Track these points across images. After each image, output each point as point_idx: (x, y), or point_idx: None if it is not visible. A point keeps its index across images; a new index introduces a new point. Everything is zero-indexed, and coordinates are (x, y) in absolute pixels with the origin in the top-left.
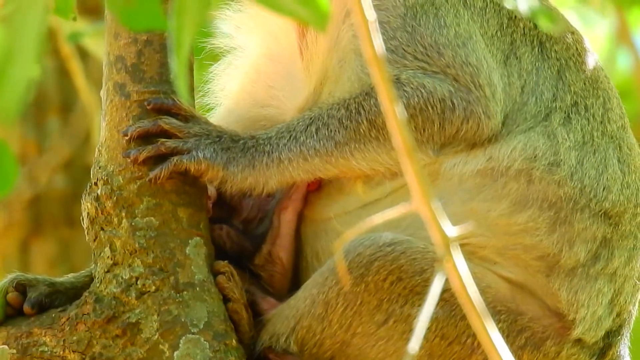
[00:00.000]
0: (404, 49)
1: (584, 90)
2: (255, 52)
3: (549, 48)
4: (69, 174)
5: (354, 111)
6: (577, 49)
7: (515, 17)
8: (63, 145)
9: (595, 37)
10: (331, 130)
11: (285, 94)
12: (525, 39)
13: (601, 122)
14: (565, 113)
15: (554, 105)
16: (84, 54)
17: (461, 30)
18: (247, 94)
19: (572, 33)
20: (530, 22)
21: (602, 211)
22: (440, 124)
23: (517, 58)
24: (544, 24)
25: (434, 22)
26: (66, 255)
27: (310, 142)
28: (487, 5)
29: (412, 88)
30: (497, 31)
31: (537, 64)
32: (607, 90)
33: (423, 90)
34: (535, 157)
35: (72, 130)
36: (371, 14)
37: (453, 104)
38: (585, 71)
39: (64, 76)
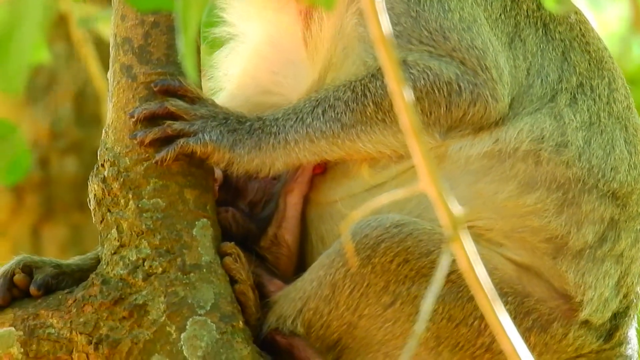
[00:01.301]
0: (409, 34)
1: (589, 71)
2: (258, 38)
3: (552, 29)
4: (80, 158)
5: (359, 93)
6: (580, 29)
7: None
8: (74, 130)
9: (606, 21)
10: (337, 113)
11: (289, 81)
12: (529, 21)
13: (607, 103)
14: (571, 94)
15: (559, 86)
16: (96, 39)
17: (465, 14)
18: (251, 78)
19: (575, 13)
20: (533, 3)
21: (610, 192)
22: (447, 107)
23: (521, 40)
24: (550, 5)
25: (438, 6)
26: (77, 240)
27: (316, 124)
28: None
29: (418, 70)
30: (500, 14)
31: (541, 46)
32: (611, 71)
33: (429, 73)
34: (542, 138)
35: (83, 114)
36: None
37: (460, 86)
38: (589, 52)
39: (76, 61)
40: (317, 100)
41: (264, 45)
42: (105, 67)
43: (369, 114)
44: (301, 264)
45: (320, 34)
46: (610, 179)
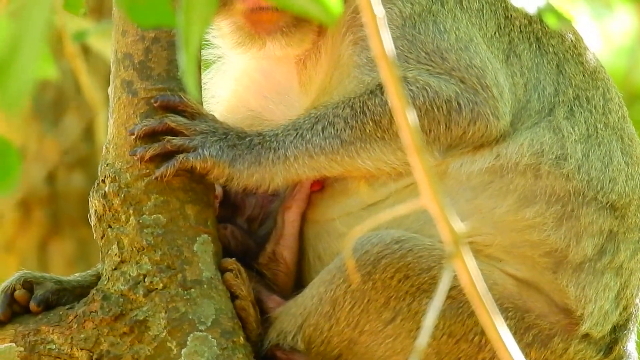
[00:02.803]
0: (406, 55)
1: (584, 83)
2: (248, 63)
3: (545, 43)
4: (87, 174)
5: (358, 110)
6: (572, 41)
7: (511, 15)
8: (82, 145)
9: (610, 33)
10: (337, 129)
11: (281, 109)
12: (522, 36)
13: (603, 114)
14: (568, 107)
15: (556, 99)
16: (89, 53)
17: (461, 33)
18: (240, 101)
19: None
20: (524, 18)
21: (608, 203)
22: (446, 125)
23: (517, 56)
24: (553, 22)
25: (434, 28)
26: (84, 254)
27: (316, 140)
28: (483, 7)
29: (417, 87)
30: (495, 32)
31: (536, 60)
32: (604, 80)
33: (429, 90)
34: (542, 151)
35: (90, 129)
36: (379, 10)
37: (459, 105)
38: (582, 63)
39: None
40: (317, 117)
41: (255, 71)
42: (99, 81)
43: (368, 131)
44: (299, 281)
45: (315, 67)
46: (609, 190)
